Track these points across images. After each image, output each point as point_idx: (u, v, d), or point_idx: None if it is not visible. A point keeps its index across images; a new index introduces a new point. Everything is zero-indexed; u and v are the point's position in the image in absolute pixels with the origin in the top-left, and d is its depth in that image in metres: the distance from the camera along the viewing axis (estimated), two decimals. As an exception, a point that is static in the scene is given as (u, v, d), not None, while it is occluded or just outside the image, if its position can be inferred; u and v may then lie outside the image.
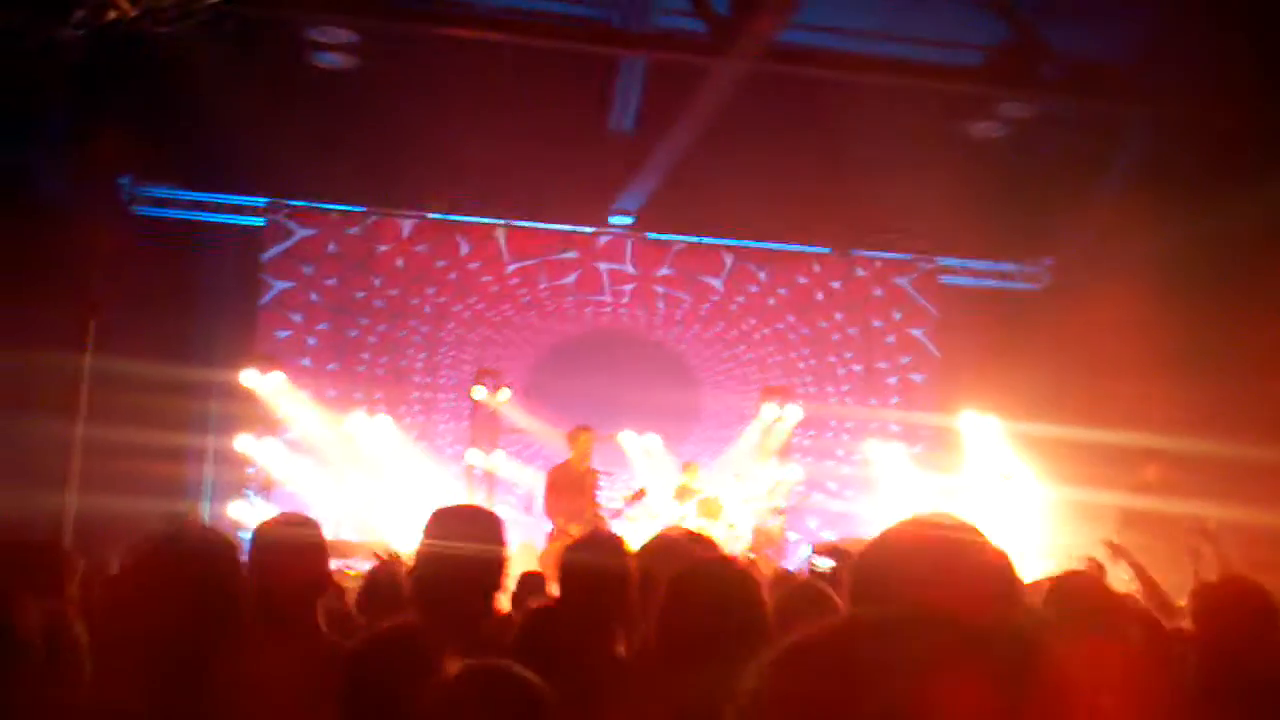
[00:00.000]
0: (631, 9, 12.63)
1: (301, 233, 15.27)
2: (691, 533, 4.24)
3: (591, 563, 3.58)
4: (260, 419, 13.55)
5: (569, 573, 3.70)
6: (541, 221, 15.81)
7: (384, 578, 6.49)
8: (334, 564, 11.22)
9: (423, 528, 3.60)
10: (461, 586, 3.52)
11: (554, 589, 8.00)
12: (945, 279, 17.02)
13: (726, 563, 3.14)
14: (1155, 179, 13.86)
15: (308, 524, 3.87)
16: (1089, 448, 12.27)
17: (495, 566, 3.58)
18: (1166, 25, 12.61)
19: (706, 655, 2.72)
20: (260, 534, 3.77)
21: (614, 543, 3.75)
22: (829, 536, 13.77)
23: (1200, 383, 11.09)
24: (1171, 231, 13.56)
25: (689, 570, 2.98)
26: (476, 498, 13.23)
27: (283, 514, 4.07)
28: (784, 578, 5.79)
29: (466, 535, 3.54)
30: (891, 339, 16.76)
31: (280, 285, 15.16)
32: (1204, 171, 12.74)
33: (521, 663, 3.49)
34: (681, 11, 12.05)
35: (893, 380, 16.65)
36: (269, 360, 13.82)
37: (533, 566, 8.94)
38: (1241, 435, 10.12)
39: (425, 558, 3.59)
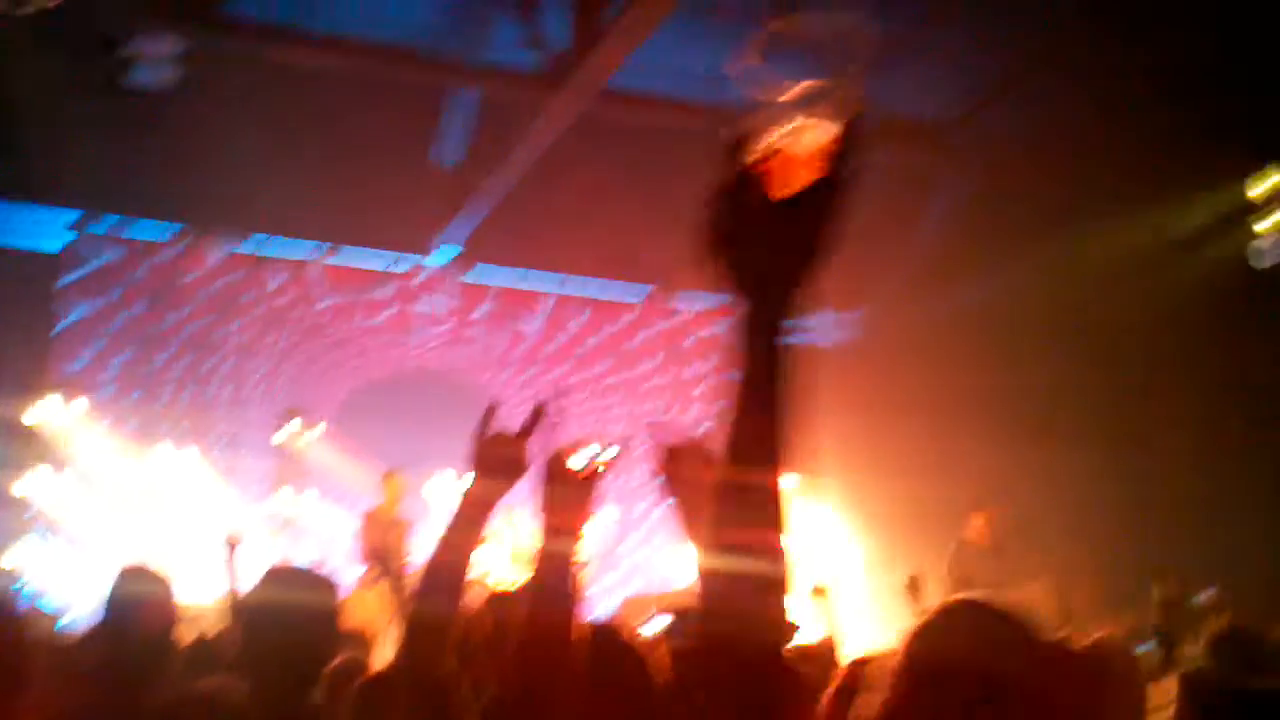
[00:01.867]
0: (465, 40, 12.50)
1: (103, 258, 14.60)
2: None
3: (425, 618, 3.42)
4: (53, 454, 12.86)
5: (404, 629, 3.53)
6: (357, 257, 15.47)
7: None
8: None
9: (253, 588, 3.44)
10: (293, 651, 3.37)
11: (373, 642, 7.75)
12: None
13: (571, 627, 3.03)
14: (964, 234, 14.38)
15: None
16: (903, 501, 12.60)
17: (329, 633, 3.44)
18: (978, 89, 13.14)
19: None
20: None
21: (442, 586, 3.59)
22: (639, 585, 13.78)
23: (1008, 440, 11.49)
24: (978, 285, 14.10)
25: (532, 628, 2.84)
26: (282, 539, 12.84)
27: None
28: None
29: (300, 598, 3.40)
30: (705, 387, 16.90)
31: (78, 312, 14.45)
32: (1010, 230, 13.28)
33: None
34: (517, 45, 11.95)
35: (705, 427, 16.75)
36: (64, 391, 13.15)
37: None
38: (1042, 492, 10.50)
39: (254, 621, 3.43)
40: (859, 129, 1.48)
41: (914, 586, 7.45)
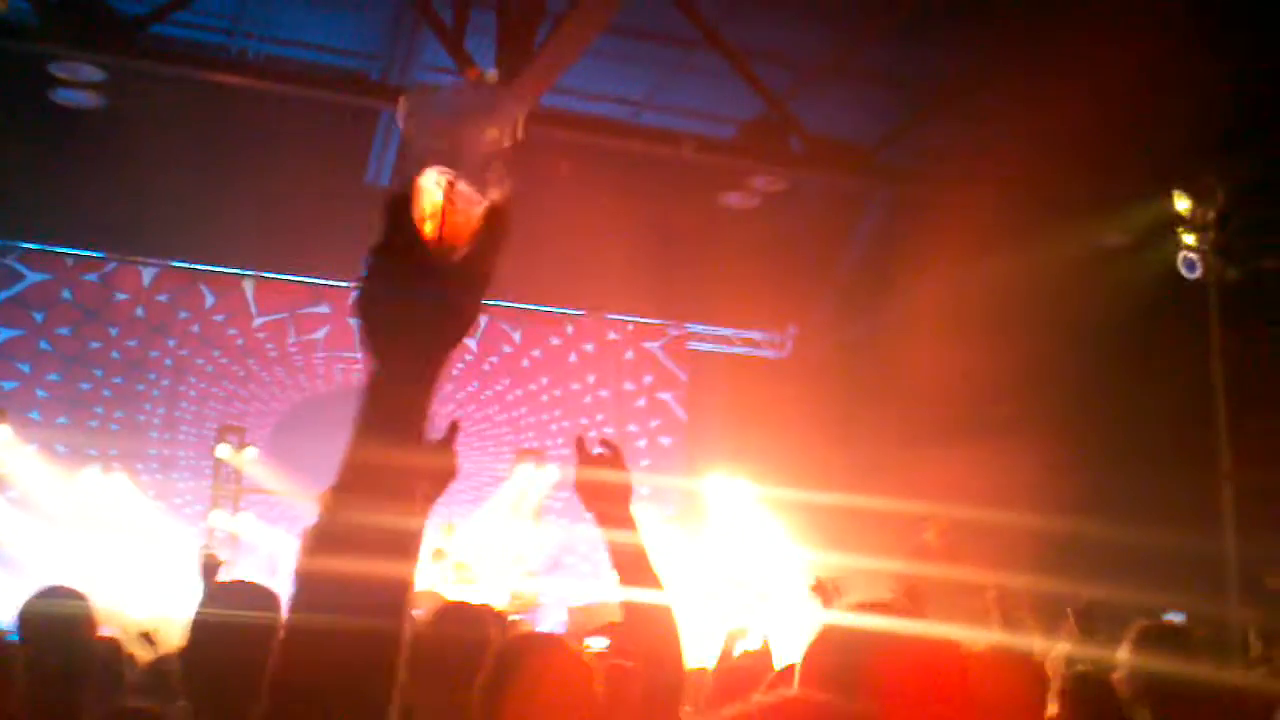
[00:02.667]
0: (393, 63, 12.54)
1: (33, 278, 14.43)
2: (480, 607, 4.16)
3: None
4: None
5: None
6: (292, 274, 15.39)
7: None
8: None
9: (195, 608, 3.42)
10: (236, 672, 3.35)
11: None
12: (694, 344, 17.44)
13: (553, 643, 3.08)
14: (890, 254, 14.60)
15: None
16: (834, 511, 12.72)
17: (270, 649, 3.43)
18: (904, 109, 13.35)
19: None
20: None
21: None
22: (581, 600, 13.75)
23: (940, 457, 11.65)
24: (902, 302, 14.30)
25: (513, 654, 2.89)
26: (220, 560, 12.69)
27: None
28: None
29: (243, 617, 3.37)
30: (642, 402, 17.02)
31: (6, 333, 14.26)
32: (930, 248, 13.49)
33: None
34: (445, 69, 12.02)
35: (642, 443, 16.88)
36: (-9, 414, 12.94)
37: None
38: (980, 500, 10.66)
39: (197, 641, 3.41)
40: (501, 216, 1.48)
41: (820, 589, 7.54)
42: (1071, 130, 10.78)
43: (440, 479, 2.77)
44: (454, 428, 2.86)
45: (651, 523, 15.10)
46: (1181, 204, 11.03)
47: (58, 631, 3.50)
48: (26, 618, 3.54)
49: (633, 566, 2.94)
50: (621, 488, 2.97)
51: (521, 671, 2.79)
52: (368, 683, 1.38)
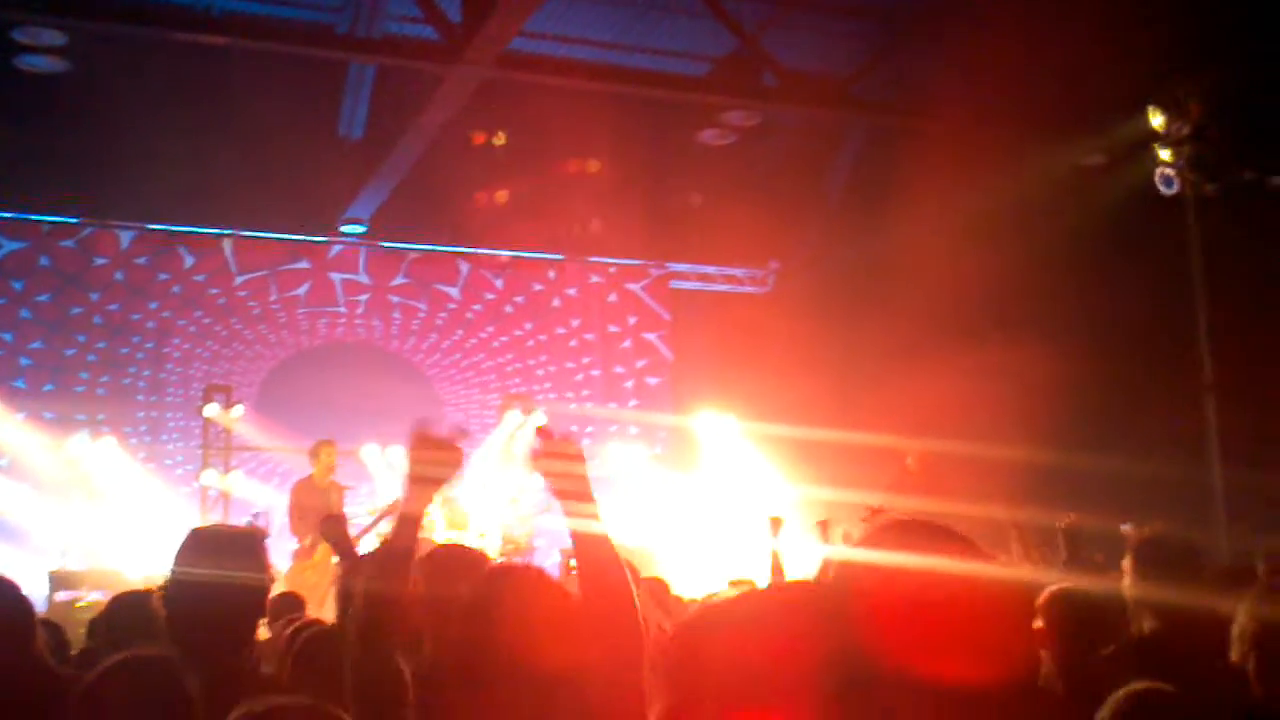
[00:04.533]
0: (360, 15, 12.44)
1: (9, 246, 14.34)
2: (467, 547, 4.22)
3: (374, 584, 3.51)
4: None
5: (348, 595, 3.61)
6: (270, 231, 15.34)
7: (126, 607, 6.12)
8: (61, 595, 10.71)
9: (177, 550, 3.44)
10: (220, 612, 3.38)
11: (312, 610, 7.81)
12: (677, 284, 17.44)
13: (531, 572, 3.14)
14: (869, 186, 14.59)
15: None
16: (819, 445, 12.80)
17: (257, 591, 3.47)
18: (877, 40, 13.30)
19: (494, 663, 2.71)
20: None
21: (398, 559, 3.68)
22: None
23: (926, 383, 11.69)
24: (883, 233, 14.31)
25: (494, 582, 2.95)
26: (211, 519, 12.76)
27: None
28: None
29: (225, 558, 3.40)
30: (627, 343, 17.04)
31: (-16, 304, 14.22)
32: (909, 178, 13.49)
33: (300, 690, 3.40)
34: (412, 18, 11.94)
35: (629, 384, 16.94)
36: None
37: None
38: (960, 431, 10.72)
39: (180, 582, 3.43)
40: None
41: (823, 529, 7.61)
42: (1045, 52, 10.76)
43: (451, 468, 3.08)
44: (461, 433, 3.15)
45: (640, 462, 15.20)
46: (1156, 119, 11.01)
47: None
48: None
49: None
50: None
51: (501, 598, 2.84)
52: None
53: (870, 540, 1.80)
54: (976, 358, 11.59)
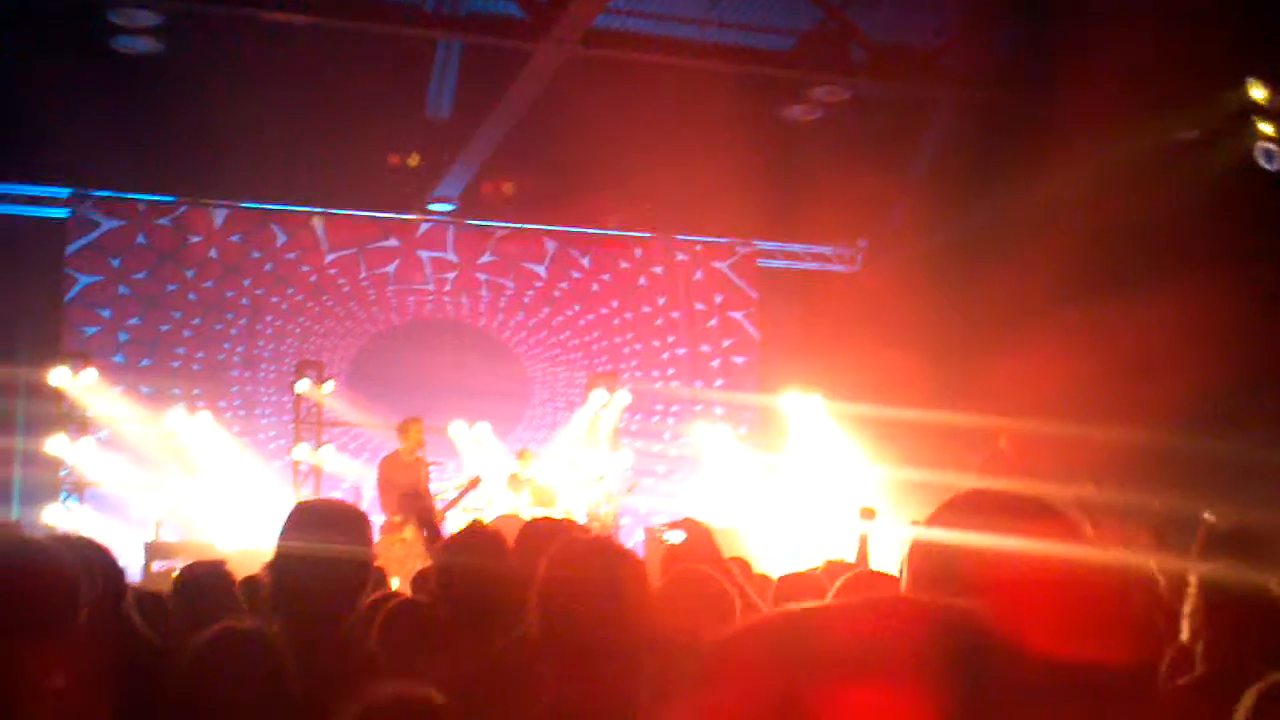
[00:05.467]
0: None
1: (108, 224, 14.66)
2: (565, 520, 4.25)
3: (472, 561, 3.54)
4: (71, 419, 12.96)
5: (447, 570, 3.64)
6: (359, 209, 15.51)
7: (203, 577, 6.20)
8: (156, 566, 10.96)
9: (282, 524, 3.49)
10: (325, 585, 3.42)
11: (394, 583, 7.90)
12: (763, 262, 17.36)
13: (604, 543, 3.15)
14: (958, 161, 14.37)
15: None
16: (906, 425, 12.67)
17: (361, 565, 3.50)
18: (968, 11, 13.08)
19: (588, 638, 2.72)
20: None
21: (493, 540, 3.72)
22: (661, 520, 13.88)
23: (1011, 361, 11.52)
24: (973, 211, 14.10)
25: (565, 550, 2.97)
26: (302, 493, 12.96)
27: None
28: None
29: (330, 535, 3.44)
30: (714, 322, 17.00)
31: (86, 279, 14.53)
32: (1001, 153, 13.27)
33: (389, 662, 3.44)
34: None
35: (715, 363, 16.90)
36: (78, 358, 13.21)
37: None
38: (1061, 411, 10.56)
39: (285, 556, 3.48)
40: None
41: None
42: (1140, 25, 10.52)
43: None
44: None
45: (725, 441, 15.17)
46: (1258, 93, 10.73)
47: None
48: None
49: None
50: None
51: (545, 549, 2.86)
52: None
53: (961, 513, 1.74)
54: (1073, 336, 11.39)
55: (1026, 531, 1.65)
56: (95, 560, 3.54)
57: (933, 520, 1.75)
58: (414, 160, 14.48)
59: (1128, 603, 1.71)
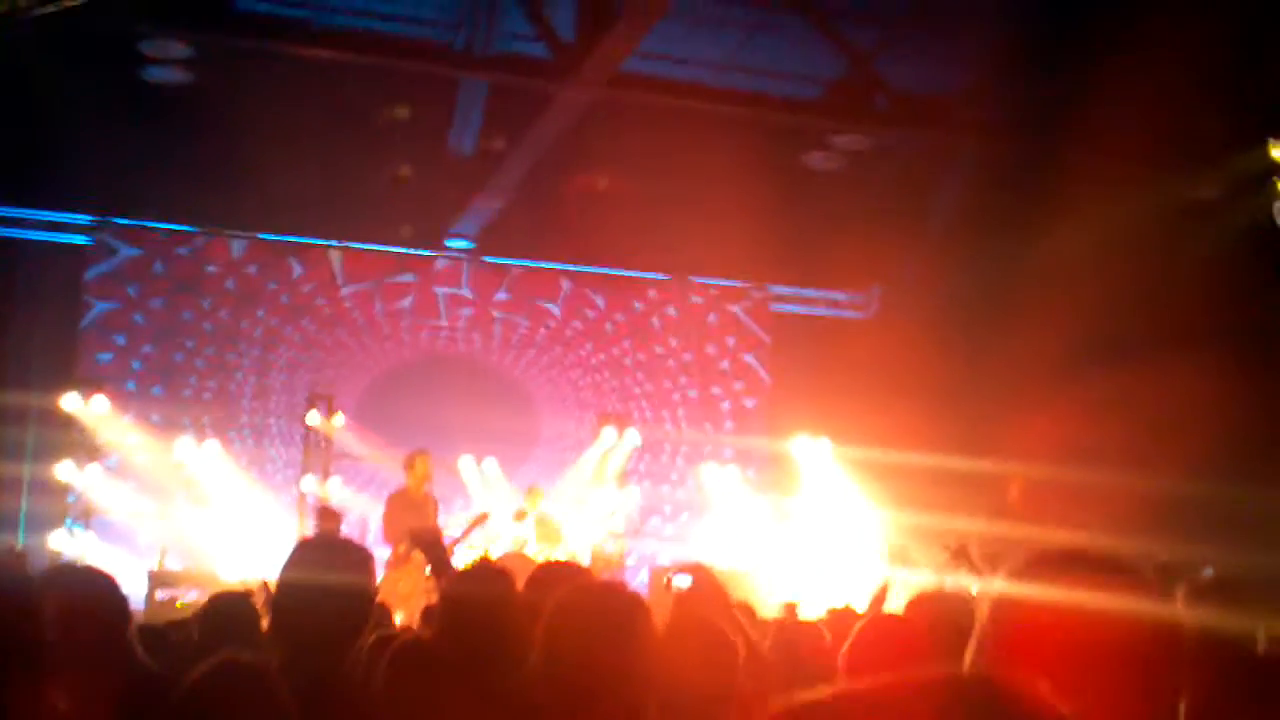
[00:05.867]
0: (475, 32, 12.57)
1: (126, 252, 14.74)
2: (574, 564, 4.24)
3: (479, 598, 3.52)
4: (81, 445, 12.99)
5: (454, 606, 3.63)
6: (377, 244, 15.57)
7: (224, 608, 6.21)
8: (160, 595, 10.94)
9: (286, 558, 3.48)
10: (327, 620, 3.41)
11: (399, 618, 7.86)
12: (777, 306, 17.37)
13: (614, 588, 3.14)
14: (974, 212, 14.40)
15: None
16: (916, 473, 12.63)
17: (364, 601, 3.49)
18: (992, 63, 13.12)
19: (593, 682, 2.71)
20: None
21: (500, 578, 3.70)
22: (666, 560, 13.83)
23: (1022, 413, 11.50)
24: (988, 261, 14.11)
25: (574, 595, 2.96)
26: (308, 525, 12.95)
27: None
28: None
29: (333, 569, 3.43)
30: (725, 365, 17.00)
31: (103, 306, 14.60)
32: (1018, 205, 13.28)
33: (394, 702, 3.42)
34: (526, 36, 12.05)
35: (726, 405, 16.88)
36: (90, 384, 13.26)
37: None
38: (1072, 461, 10.52)
39: (287, 590, 3.47)
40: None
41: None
42: (1162, 82, 10.54)
43: None
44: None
45: (734, 484, 15.14)
46: (1279, 153, 10.74)
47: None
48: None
49: None
50: None
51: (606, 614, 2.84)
52: None
53: (1029, 573, 1.69)
54: (1086, 391, 11.36)
55: (1106, 590, 1.61)
56: (99, 590, 3.54)
57: (1017, 576, 1.71)
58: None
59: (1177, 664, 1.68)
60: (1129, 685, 1.58)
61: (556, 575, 3.70)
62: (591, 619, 2.81)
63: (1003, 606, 1.70)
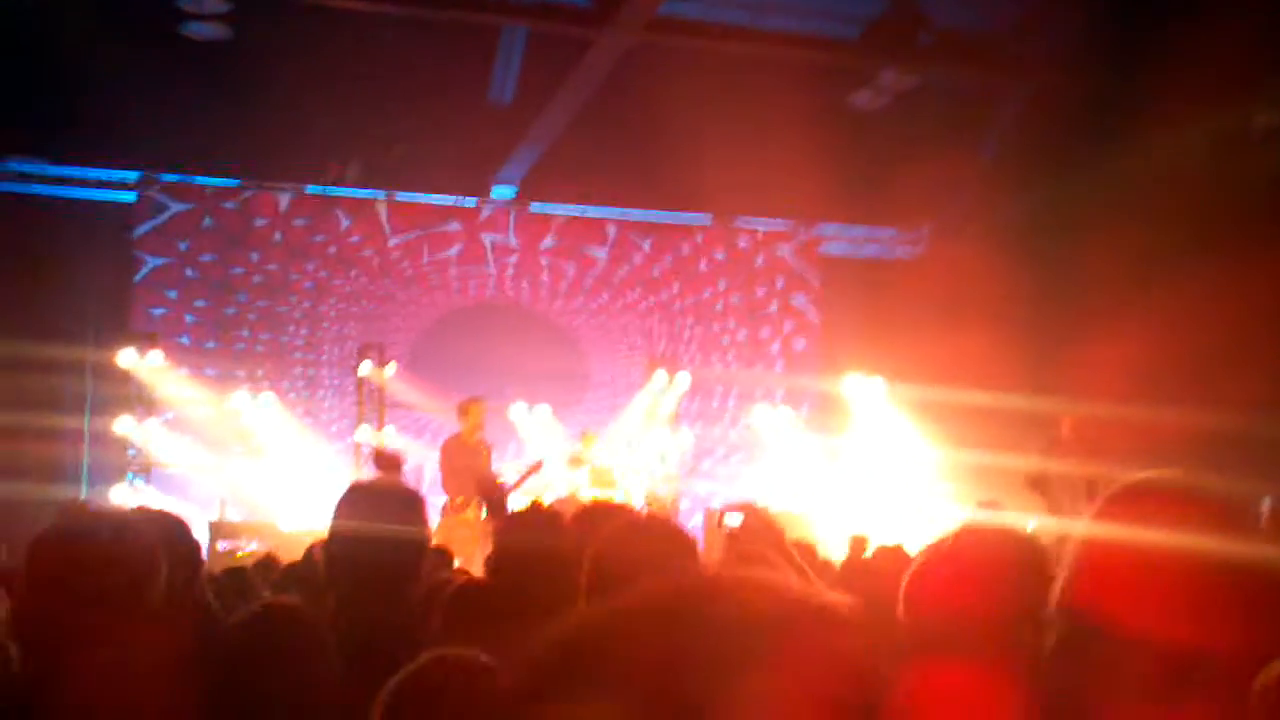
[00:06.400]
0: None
1: (175, 208, 14.85)
2: (622, 504, 4.26)
3: (530, 539, 3.54)
4: (138, 399, 13.16)
5: (506, 550, 3.65)
6: (423, 194, 15.58)
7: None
8: (221, 545, 11.10)
9: (337, 505, 3.49)
10: (378, 565, 3.42)
11: (459, 563, 7.95)
12: (825, 248, 17.25)
13: (658, 522, 3.14)
14: (1026, 145, 14.20)
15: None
16: (972, 410, 12.55)
17: (415, 547, 3.50)
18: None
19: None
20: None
21: (551, 518, 3.72)
22: (719, 503, 13.86)
23: (1081, 345, 11.38)
24: (1042, 195, 13.93)
25: (619, 529, 2.96)
26: (366, 473, 13.06)
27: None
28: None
29: (384, 513, 3.44)
30: (774, 307, 16.93)
31: (154, 262, 14.74)
32: (1070, 138, 13.08)
33: (451, 642, 3.44)
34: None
35: (775, 347, 16.84)
36: (145, 339, 13.42)
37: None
38: (1132, 395, 10.41)
39: (339, 536, 3.48)
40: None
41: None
42: (1215, 8, 10.32)
43: None
44: None
45: (786, 426, 15.11)
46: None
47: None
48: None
49: None
50: None
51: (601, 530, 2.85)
52: None
53: (1113, 510, 1.67)
54: (1144, 319, 11.22)
55: (1197, 524, 1.58)
56: (173, 533, 3.55)
57: (1101, 515, 1.68)
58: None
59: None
60: (1230, 623, 1.55)
61: (602, 514, 3.70)
62: (636, 554, 2.82)
63: (1092, 543, 1.67)
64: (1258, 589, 1.56)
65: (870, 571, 5.37)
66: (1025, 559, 2.40)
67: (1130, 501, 1.65)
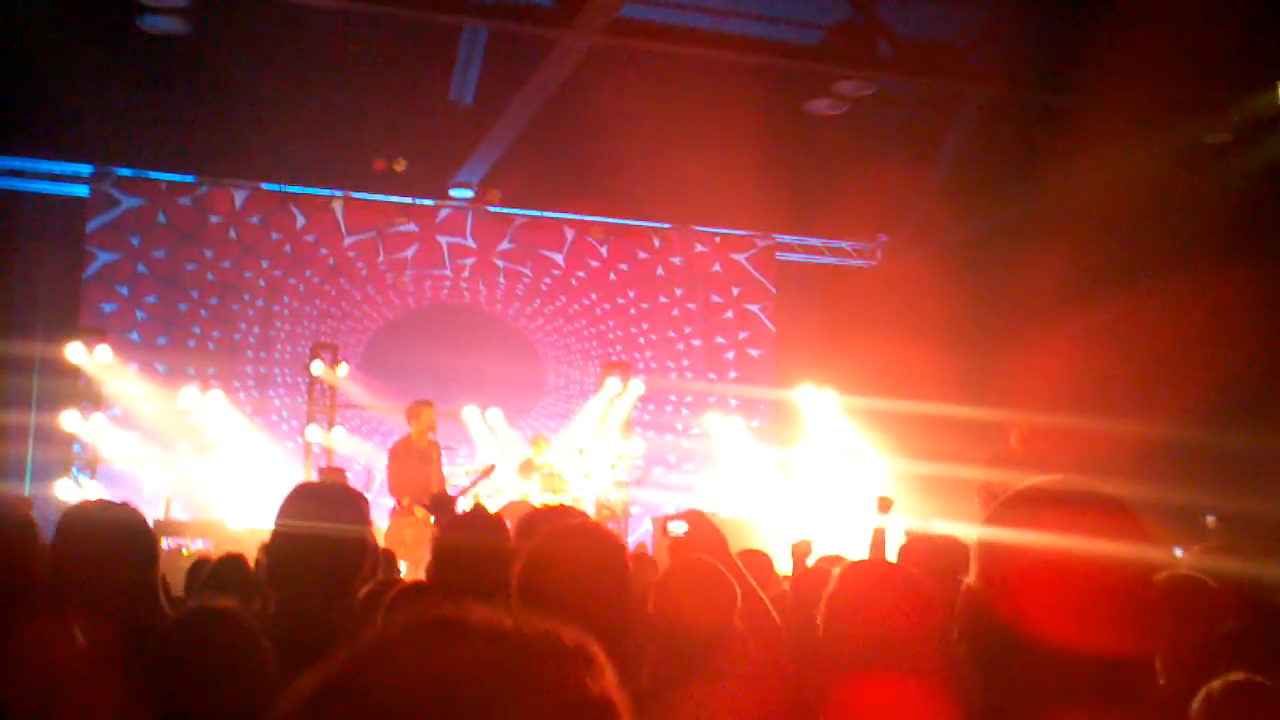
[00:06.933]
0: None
1: (128, 202, 14.70)
2: (566, 508, 4.25)
3: (470, 542, 3.53)
4: (86, 395, 13.02)
5: (445, 552, 3.64)
6: (379, 193, 15.50)
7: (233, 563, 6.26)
8: (166, 543, 10.98)
9: (280, 506, 3.46)
10: (320, 565, 3.39)
11: (404, 566, 7.90)
12: (782, 255, 17.31)
13: (588, 530, 3.13)
14: (979, 159, 14.31)
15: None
16: (924, 421, 12.62)
17: (357, 546, 3.48)
18: (996, 8, 13.00)
19: (564, 621, 2.69)
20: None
21: (493, 521, 3.71)
22: (670, 510, 13.86)
23: (1027, 357, 11.48)
24: (992, 209, 14.05)
25: (549, 534, 2.95)
26: (312, 474, 12.97)
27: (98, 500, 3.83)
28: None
29: (327, 515, 3.41)
30: (730, 314, 16.96)
31: (106, 257, 14.58)
32: (1022, 152, 13.20)
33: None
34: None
35: (731, 355, 16.87)
36: (94, 334, 13.27)
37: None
38: (1078, 406, 10.51)
39: (282, 534, 3.45)
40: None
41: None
42: (1170, 26, 10.43)
43: None
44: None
45: (739, 434, 15.14)
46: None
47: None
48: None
49: None
50: None
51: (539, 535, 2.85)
52: None
53: (1014, 510, 1.69)
54: (1091, 332, 11.34)
55: (1089, 527, 1.61)
56: (131, 528, 3.49)
57: (995, 518, 1.71)
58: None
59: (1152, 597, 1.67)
60: (1106, 625, 1.57)
61: (542, 517, 3.70)
62: (563, 562, 2.81)
63: (986, 546, 1.70)
64: (1140, 591, 1.59)
65: (817, 581, 5.38)
66: (952, 568, 2.43)
67: (1024, 506, 1.68)
